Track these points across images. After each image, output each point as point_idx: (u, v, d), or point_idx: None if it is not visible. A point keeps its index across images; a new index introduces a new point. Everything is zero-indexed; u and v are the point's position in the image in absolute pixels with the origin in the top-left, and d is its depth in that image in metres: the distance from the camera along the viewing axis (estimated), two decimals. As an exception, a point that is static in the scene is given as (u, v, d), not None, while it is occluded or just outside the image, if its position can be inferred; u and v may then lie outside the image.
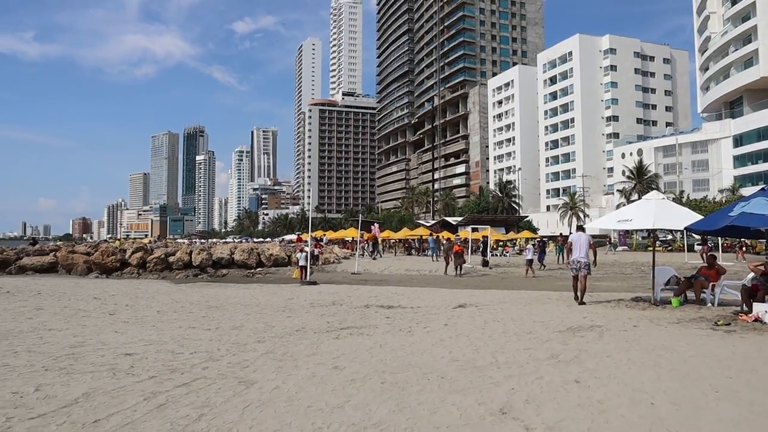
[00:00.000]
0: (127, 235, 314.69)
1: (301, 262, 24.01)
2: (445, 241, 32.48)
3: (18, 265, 30.86)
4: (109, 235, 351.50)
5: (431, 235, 46.80)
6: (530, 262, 26.45)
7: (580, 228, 14.59)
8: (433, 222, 68.20)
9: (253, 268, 31.09)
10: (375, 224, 48.24)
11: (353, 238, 49.74)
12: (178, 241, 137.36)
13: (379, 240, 45.86)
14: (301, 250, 25.00)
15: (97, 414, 5.33)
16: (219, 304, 15.26)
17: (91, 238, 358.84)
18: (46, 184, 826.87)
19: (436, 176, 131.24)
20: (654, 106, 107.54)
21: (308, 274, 23.76)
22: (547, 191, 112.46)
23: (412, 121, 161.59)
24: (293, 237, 71.36)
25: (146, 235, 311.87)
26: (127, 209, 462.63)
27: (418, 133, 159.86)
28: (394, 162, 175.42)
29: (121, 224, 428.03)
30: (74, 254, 31.73)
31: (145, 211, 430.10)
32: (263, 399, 5.83)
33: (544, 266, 30.13)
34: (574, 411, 5.34)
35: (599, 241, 53.01)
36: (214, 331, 10.39)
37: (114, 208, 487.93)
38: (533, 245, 32.86)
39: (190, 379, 6.67)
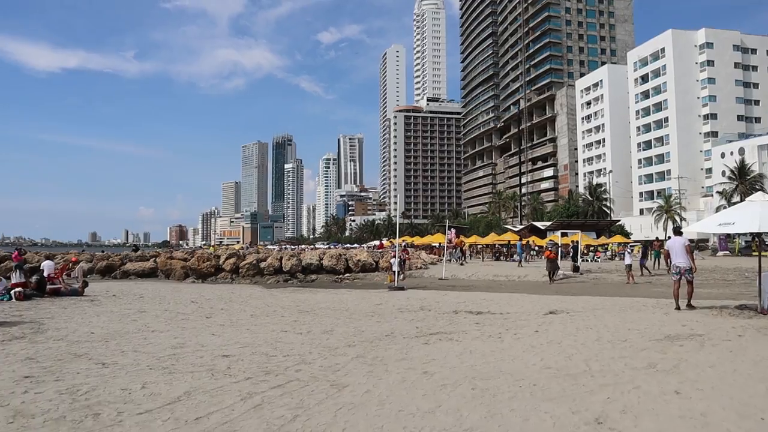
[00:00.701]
0: (221, 242, 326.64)
1: (395, 267, 24.46)
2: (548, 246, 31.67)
3: (122, 270, 32.67)
4: (204, 242, 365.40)
5: (519, 240, 46.10)
6: (630, 267, 25.51)
7: (677, 231, 14.01)
8: (521, 227, 67.10)
9: (341, 273, 31.60)
10: (451, 230, 48.18)
11: (440, 243, 49.65)
12: (269, 247, 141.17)
13: (465, 246, 45.61)
14: (394, 256, 25.47)
15: (198, 412, 5.57)
16: (309, 308, 15.58)
17: (187, 244, 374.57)
18: (146, 194, 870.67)
19: (524, 180, 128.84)
20: (757, 102, 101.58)
21: (396, 279, 24.01)
22: (640, 194, 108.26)
23: (498, 125, 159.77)
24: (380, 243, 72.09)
25: (238, 242, 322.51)
26: (220, 217, 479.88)
27: (504, 137, 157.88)
28: (481, 167, 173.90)
29: (215, 231, 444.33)
30: (172, 260, 33.23)
31: (236, 218, 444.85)
32: (355, 402, 5.93)
33: (644, 272, 28.86)
34: (674, 423, 5.14)
35: (693, 245, 50.55)
36: (306, 335, 10.63)
37: (208, 216, 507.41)
38: (631, 250, 31.70)
39: (284, 381, 6.86)
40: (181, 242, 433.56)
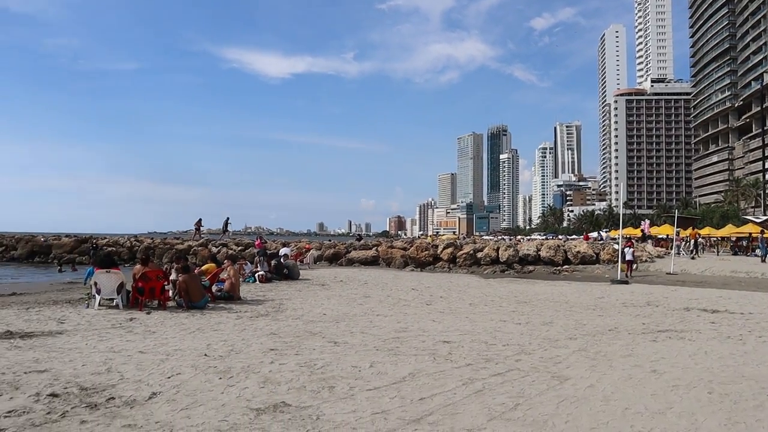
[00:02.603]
0: (437, 232, 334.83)
1: (628, 257, 23.90)
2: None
3: (347, 257, 34.88)
4: (421, 232, 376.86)
5: (762, 232, 41.33)
6: None
7: None
8: (765, 218, 59.90)
9: (559, 265, 30.79)
10: (645, 220, 44.49)
11: (667, 235, 46.23)
12: (485, 237, 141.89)
13: (699, 238, 41.97)
14: (628, 246, 24.83)
15: (422, 393, 5.82)
16: (527, 299, 15.43)
17: (405, 234, 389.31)
18: (367, 186, 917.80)
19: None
20: None
21: (627, 271, 23.23)
22: None
23: (736, 104, 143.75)
24: (603, 234, 69.17)
25: (453, 232, 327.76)
26: (437, 208, 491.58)
27: (743, 117, 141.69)
28: (714, 151, 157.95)
29: (431, 222, 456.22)
30: (392, 249, 34.76)
31: (452, 209, 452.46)
32: (578, 396, 5.79)
33: None
34: None
35: None
36: (525, 326, 10.56)
37: (425, 207, 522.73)
38: None
39: (504, 369, 6.90)
40: (399, 232, 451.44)
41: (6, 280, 27.48)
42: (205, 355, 7.53)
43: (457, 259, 32.32)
